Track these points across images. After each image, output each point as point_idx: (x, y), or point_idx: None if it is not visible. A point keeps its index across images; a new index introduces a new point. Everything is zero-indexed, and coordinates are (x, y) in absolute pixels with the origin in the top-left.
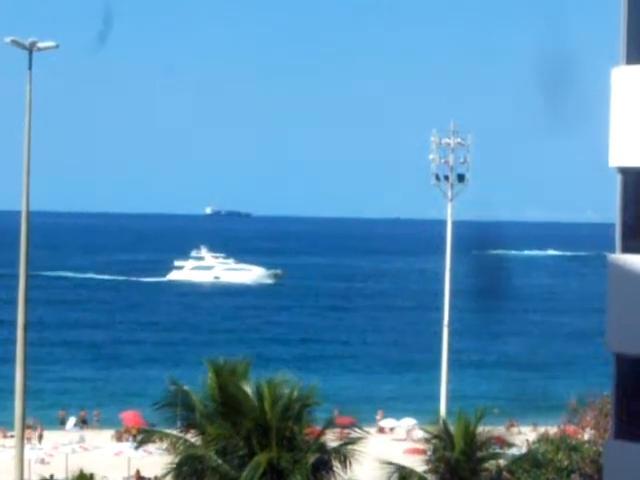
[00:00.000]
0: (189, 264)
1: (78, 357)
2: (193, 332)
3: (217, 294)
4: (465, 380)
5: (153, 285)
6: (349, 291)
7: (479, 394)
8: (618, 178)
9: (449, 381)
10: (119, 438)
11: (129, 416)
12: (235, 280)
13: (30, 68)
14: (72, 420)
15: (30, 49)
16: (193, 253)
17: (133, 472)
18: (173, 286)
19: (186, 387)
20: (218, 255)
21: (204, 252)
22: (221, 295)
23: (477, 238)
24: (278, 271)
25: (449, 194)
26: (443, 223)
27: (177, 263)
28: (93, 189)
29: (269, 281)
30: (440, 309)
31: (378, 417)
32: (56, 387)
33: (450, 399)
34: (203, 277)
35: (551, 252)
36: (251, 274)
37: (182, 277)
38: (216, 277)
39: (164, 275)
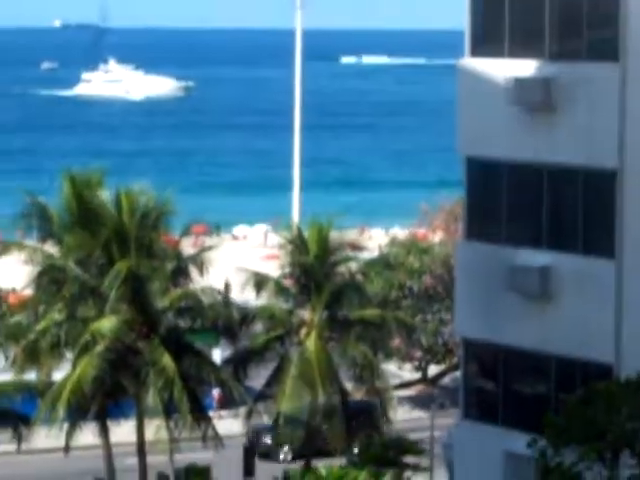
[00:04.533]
0: (97, 76)
1: None
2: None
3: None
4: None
5: (58, 99)
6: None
7: (333, 203)
8: None
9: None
10: None
11: None
12: (146, 93)
13: None
14: None
15: None
16: (101, 65)
17: None
18: (81, 101)
19: (41, 198)
20: (127, 67)
21: (112, 64)
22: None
23: (325, 47)
24: (190, 83)
25: (297, 2)
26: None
27: (85, 76)
28: None
29: (180, 93)
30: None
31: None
32: None
33: (303, 212)
34: (113, 90)
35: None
36: (162, 87)
37: (91, 91)
38: (127, 91)
39: (70, 88)
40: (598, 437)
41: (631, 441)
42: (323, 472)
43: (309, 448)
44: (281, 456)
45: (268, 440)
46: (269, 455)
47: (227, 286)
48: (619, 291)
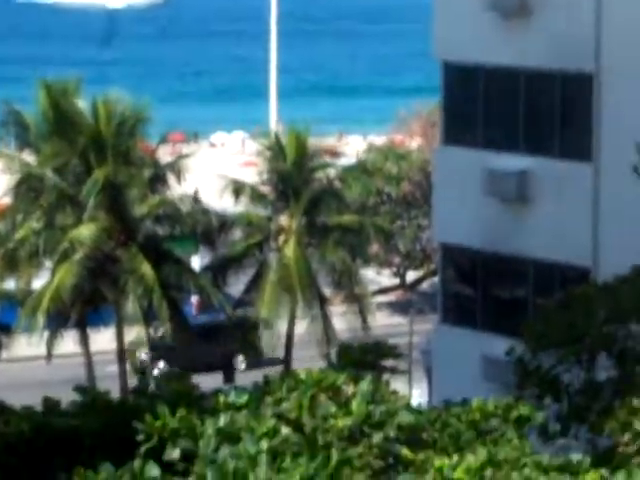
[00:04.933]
0: None
1: None
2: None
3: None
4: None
5: (36, 7)
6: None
7: (311, 109)
8: None
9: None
10: None
11: None
12: (126, 1)
13: None
14: None
15: None
16: None
17: None
18: (59, 9)
19: (18, 107)
20: None
21: None
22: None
23: None
24: None
25: None
26: None
27: None
28: None
29: (160, 1)
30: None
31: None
32: None
33: (281, 119)
34: None
35: None
36: None
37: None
38: None
39: None
40: (576, 340)
41: (608, 344)
42: (302, 376)
43: (185, 364)
44: (155, 371)
45: (143, 356)
46: (144, 371)
47: (196, 192)
48: (596, 194)
